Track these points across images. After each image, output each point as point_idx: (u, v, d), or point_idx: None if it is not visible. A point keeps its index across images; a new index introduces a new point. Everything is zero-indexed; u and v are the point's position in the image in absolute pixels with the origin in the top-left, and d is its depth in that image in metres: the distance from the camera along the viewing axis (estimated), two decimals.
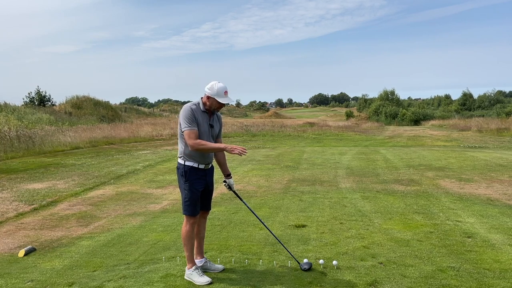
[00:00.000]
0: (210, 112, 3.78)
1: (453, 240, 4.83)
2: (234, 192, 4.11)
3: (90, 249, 4.94)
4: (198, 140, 3.59)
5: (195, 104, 3.72)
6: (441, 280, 3.67)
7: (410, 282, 3.65)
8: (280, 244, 4.33)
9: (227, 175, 4.04)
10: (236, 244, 4.81)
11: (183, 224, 3.79)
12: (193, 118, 3.62)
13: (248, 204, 6.91)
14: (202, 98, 3.75)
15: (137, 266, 4.20)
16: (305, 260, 4.02)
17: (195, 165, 3.71)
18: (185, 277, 3.76)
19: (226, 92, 3.66)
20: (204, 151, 3.66)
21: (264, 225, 4.37)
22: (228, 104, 3.78)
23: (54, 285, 3.81)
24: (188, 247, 3.77)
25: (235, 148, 3.52)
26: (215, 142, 3.89)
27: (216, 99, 3.65)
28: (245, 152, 3.53)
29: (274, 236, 4.38)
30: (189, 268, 3.76)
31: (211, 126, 3.79)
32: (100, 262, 4.41)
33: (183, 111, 3.67)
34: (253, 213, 4.32)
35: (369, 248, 4.58)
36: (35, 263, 4.51)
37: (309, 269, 3.89)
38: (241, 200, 4.18)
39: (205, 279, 3.66)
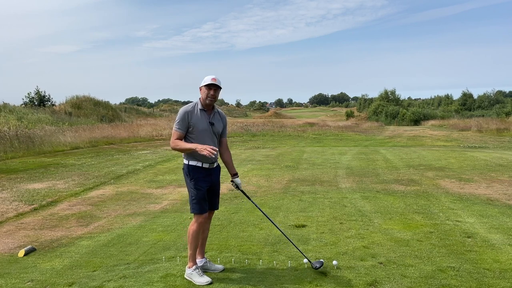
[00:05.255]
0: (209, 109, 3.82)
1: (453, 240, 4.83)
2: (242, 191, 4.12)
3: (90, 249, 4.94)
4: (175, 141, 3.71)
5: (192, 105, 3.80)
6: (441, 280, 3.67)
7: (410, 282, 3.65)
8: (281, 244, 4.34)
9: (234, 175, 4.07)
10: (236, 244, 4.81)
11: (191, 223, 3.80)
12: (183, 120, 3.71)
13: (248, 204, 6.93)
14: (200, 98, 3.83)
15: (137, 266, 4.20)
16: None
17: (199, 164, 3.75)
18: (185, 277, 3.77)
19: (213, 79, 3.74)
20: (180, 151, 3.75)
21: (273, 223, 4.38)
22: (213, 92, 3.74)
23: (54, 285, 3.81)
24: (192, 245, 3.77)
25: (204, 149, 3.54)
26: (220, 140, 3.96)
27: (203, 84, 3.74)
28: (214, 152, 3.52)
29: (284, 234, 4.37)
30: (189, 267, 3.76)
31: (212, 123, 3.81)
32: (100, 262, 4.41)
33: (179, 112, 3.78)
34: (261, 211, 4.33)
35: (369, 248, 4.58)
36: (35, 263, 4.51)
37: (320, 267, 3.86)
38: (249, 199, 4.16)
39: (205, 279, 3.66)
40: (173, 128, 3.76)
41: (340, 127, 34.36)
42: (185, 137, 3.76)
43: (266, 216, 4.36)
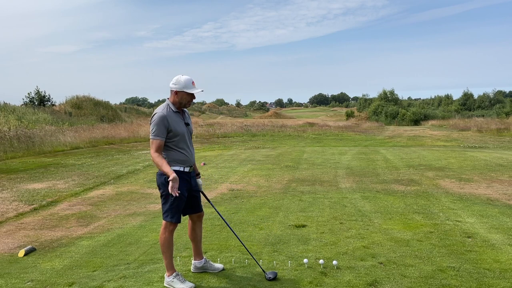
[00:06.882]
0: (181, 110, 3.64)
1: (453, 240, 4.83)
2: (202, 192, 3.92)
3: (90, 249, 4.94)
4: (157, 157, 3.41)
5: (165, 108, 3.52)
6: (441, 280, 3.67)
7: (410, 282, 3.65)
8: (281, 244, 4.31)
9: (196, 175, 3.89)
10: (236, 244, 4.81)
11: (161, 231, 3.59)
12: (163, 126, 3.42)
13: (248, 204, 6.94)
14: (168, 98, 3.61)
15: (137, 266, 4.20)
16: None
17: (181, 169, 3.56)
18: (165, 284, 3.60)
19: (193, 83, 3.51)
20: (155, 165, 3.44)
21: (231, 230, 4.19)
22: (195, 99, 3.50)
23: (54, 285, 3.81)
24: (167, 255, 3.59)
25: (172, 187, 3.26)
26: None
27: (185, 91, 3.47)
28: (175, 194, 3.29)
29: (243, 244, 4.19)
30: (168, 276, 3.58)
31: (187, 124, 3.66)
32: (100, 262, 4.42)
33: (153, 118, 3.48)
34: (221, 217, 4.16)
35: (369, 248, 4.58)
36: (35, 263, 4.51)
37: (274, 278, 3.68)
38: (209, 201, 4.00)
39: (188, 285, 3.52)
40: (151, 137, 3.42)
41: (340, 127, 34.36)
42: (164, 144, 3.50)
43: (225, 221, 4.19)
